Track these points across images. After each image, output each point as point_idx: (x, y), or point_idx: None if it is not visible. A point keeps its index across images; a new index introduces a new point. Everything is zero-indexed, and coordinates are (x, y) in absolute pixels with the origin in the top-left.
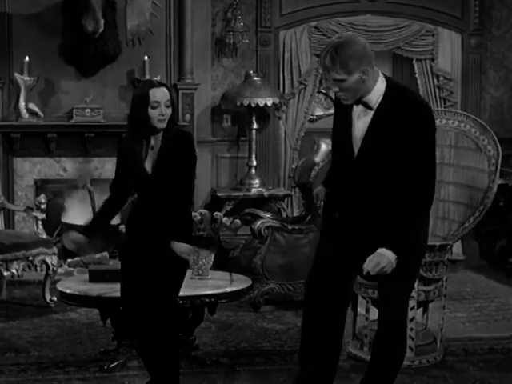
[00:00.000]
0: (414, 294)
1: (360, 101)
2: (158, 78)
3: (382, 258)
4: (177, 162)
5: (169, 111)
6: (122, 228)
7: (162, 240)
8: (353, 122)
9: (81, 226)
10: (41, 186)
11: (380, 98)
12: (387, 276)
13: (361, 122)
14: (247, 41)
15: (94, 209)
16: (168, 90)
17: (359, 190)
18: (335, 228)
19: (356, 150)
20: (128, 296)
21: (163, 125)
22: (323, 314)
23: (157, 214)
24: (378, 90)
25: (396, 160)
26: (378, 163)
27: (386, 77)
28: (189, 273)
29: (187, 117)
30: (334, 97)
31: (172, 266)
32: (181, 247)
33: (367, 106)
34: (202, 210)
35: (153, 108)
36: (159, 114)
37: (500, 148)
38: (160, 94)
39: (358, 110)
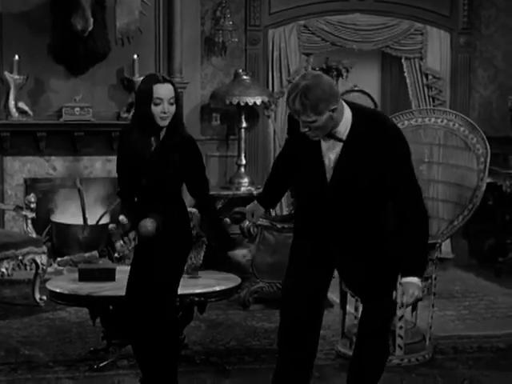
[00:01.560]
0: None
1: (329, 134)
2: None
3: (413, 287)
4: (181, 162)
5: (172, 109)
6: (123, 219)
7: (159, 237)
8: (323, 153)
9: (75, 225)
10: (30, 184)
11: (348, 128)
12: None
13: (332, 153)
14: (236, 39)
15: (83, 208)
16: (173, 86)
17: (334, 213)
18: (308, 252)
19: (328, 179)
20: (130, 294)
21: (165, 122)
22: (303, 318)
23: (152, 212)
24: (345, 122)
25: (372, 183)
26: (353, 190)
27: (349, 104)
28: None
29: None
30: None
31: (169, 262)
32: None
33: (337, 139)
34: (192, 209)
35: (155, 105)
36: (161, 112)
37: (489, 147)
38: (163, 91)
39: (327, 142)
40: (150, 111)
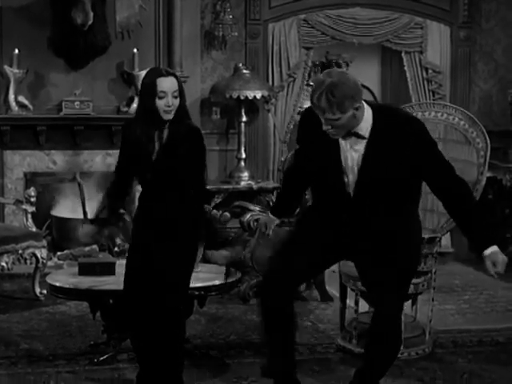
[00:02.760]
0: None
1: (350, 133)
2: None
3: (499, 254)
4: (185, 154)
5: (176, 102)
6: (126, 216)
7: (168, 231)
8: (341, 154)
9: (75, 218)
10: (30, 178)
11: (370, 125)
12: (386, 276)
13: (354, 153)
14: (236, 33)
15: (83, 202)
16: (177, 79)
17: (359, 213)
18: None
19: (351, 180)
20: (132, 287)
21: (170, 116)
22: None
23: (161, 205)
24: (366, 119)
25: (400, 178)
26: (380, 188)
27: (368, 103)
28: None
29: None
30: (299, 127)
31: (180, 257)
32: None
33: (359, 136)
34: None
35: (160, 98)
36: (165, 105)
37: (489, 141)
38: (167, 84)
39: (347, 142)
40: (155, 105)
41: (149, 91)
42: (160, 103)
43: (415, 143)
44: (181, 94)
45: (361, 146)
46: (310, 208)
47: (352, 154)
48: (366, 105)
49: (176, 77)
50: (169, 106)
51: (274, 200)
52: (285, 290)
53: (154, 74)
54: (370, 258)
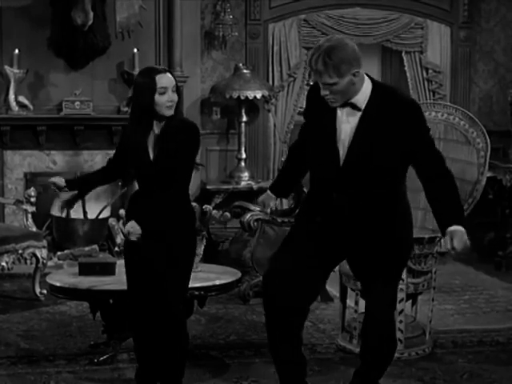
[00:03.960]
0: (402, 286)
1: (346, 103)
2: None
3: (461, 233)
4: (176, 149)
5: (176, 97)
6: (122, 213)
7: (164, 230)
8: (337, 125)
9: (75, 218)
10: (30, 179)
11: (367, 98)
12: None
13: (348, 125)
14: (236, 33)
15: (83, 202)
16: (172, 75)
17: (348, 190)
18: (315, 228)
19: (342, 152)
20: (132, 288)
21: (171, 111)
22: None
23: (157, 203)
24: (364, 91)
25: (389, 154)
26: (370, 163)
27: (370, 77)
28: None
29: None
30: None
31: (179, 255)
32: (129, 226)
33: (355, 107)
34: (192, 203)
35: (160, 94)
36: (167, 100)
37: (489, 141)
38: (166, 80)
39: (343, 113)
40: (154, 102)
41: (148, 88)
42: (162, 99)
43: (409, 125)
44: (177, 89)
45: (355, 119)
46: (305, 199)
47: (346, 126)
48: (366, 77)
49: (171, 73)
50: (171, 101)
51: (275, 177)
52: (286, 290)
53: (153, 72)
54: (362, 244)
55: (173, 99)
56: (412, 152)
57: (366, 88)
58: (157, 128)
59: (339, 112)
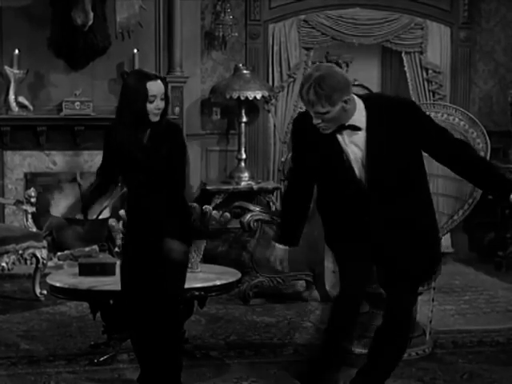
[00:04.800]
0: None
1: (343, 127)
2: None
3: None
4: (168, 152)
5: (163, 104)
6: (123, 213)
7: (160, 232)
8: (342, 147)
9: (75, 219)
10: (31, 179)
11: (365, 117)
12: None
13: (354, 147)
14: (236, 34)
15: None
16: (162, 82)
17: (378, 207)
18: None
19: (359, 174)
20: (129, 288)
21: (157, 118)
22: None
23: (152, 205)
24: (360, 111)
25: (407, 156)
26: (393, 171)
27: (357, 95)
28: None
29: (176, 110)
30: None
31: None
32: (171, 244)
33: (355, 128)
34: (192, 204)
35: (150, 102)
36: (155, 108)
37: (489, 141)
38: (156, 88)
39: (344, 136)
40: (145, 109)
41: (140, 96)
42: (150, 107)
43: (411, 120)
44: (166, 96)
45: (359, 138)
46: (327, 230)
47: (352, 147)
48: (356, 98)
49: (162, 79)
50: (158, 109)
51: (277, 229)
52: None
53: (144, 78)
54: (396, 253)
55: (160, 107)
56: (423, 142)
57: (360, 108)
58: (146, 132)
59: (339, 137)
